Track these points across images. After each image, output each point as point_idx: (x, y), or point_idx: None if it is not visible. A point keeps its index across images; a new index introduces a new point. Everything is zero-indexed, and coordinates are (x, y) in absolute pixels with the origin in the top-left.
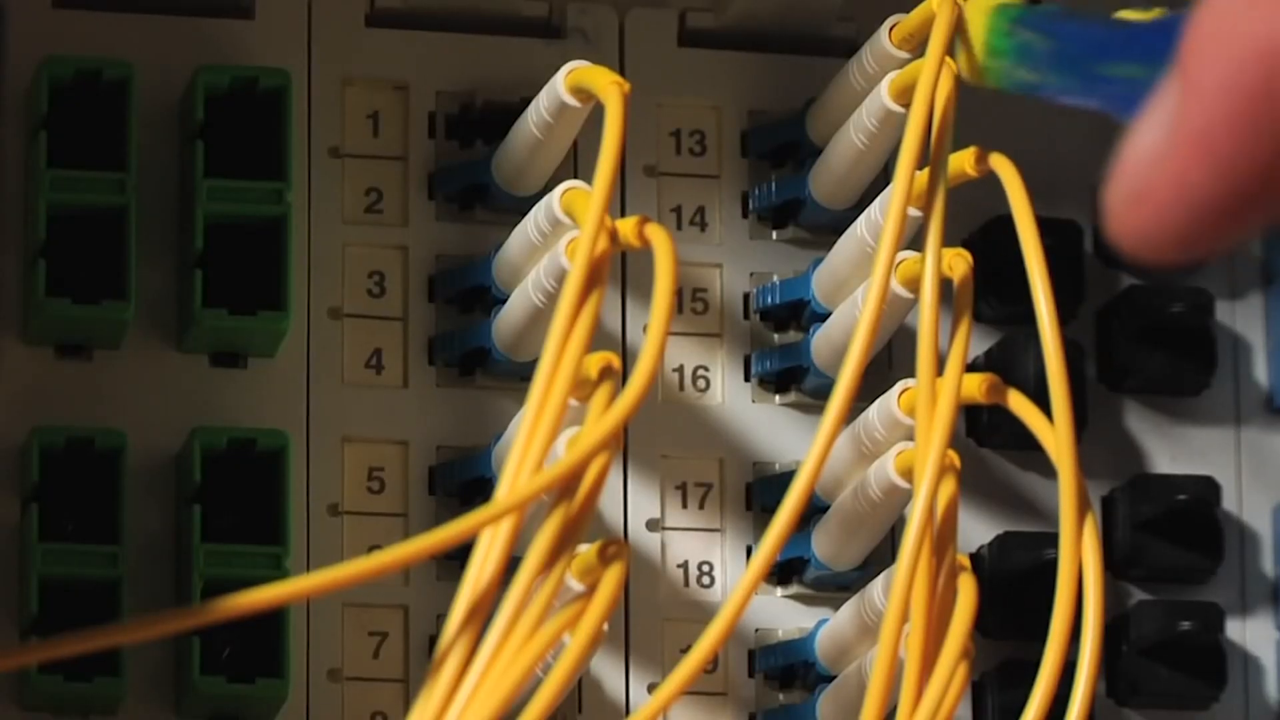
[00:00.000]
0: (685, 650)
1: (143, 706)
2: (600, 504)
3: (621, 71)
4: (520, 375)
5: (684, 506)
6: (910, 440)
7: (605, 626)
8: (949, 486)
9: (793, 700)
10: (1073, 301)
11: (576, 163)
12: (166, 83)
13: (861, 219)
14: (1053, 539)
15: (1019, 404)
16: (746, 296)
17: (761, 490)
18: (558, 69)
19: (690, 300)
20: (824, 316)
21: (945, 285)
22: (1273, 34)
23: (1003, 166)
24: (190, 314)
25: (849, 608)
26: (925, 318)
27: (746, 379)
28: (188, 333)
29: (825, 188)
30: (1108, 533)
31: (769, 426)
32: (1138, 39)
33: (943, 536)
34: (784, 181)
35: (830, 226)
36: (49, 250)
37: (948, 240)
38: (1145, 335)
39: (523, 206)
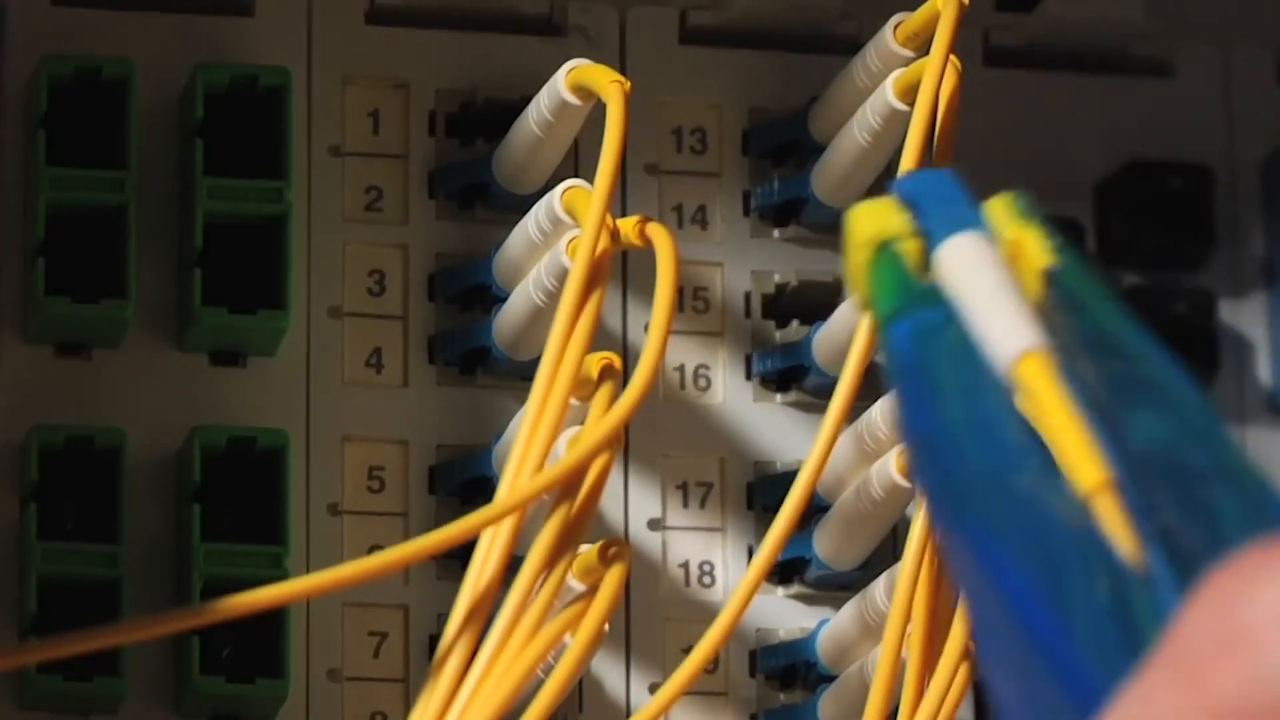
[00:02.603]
0: (686, 650)
1: (142, 706)
2: (601, 504)
3: (622, 70)
4: (521, 374)
5: (685, 506)
6: None
7: (606, 627)
8: None
9: (794, 700)
10: None
11: (577, 161)
12: (166, 81)
13: None
14: None
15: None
16: (748, 295)
17: (763, 490)
18: (558, 67)
19: (691, 299)
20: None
21: None
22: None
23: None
24: (190, 313)
25: (850, 608)
26: None
27: (748, 378)
28: (187, 331)
29: (827, 186)
30: None
31: (770, 425)
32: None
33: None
34: (786, 180)
35: (832, 225)
36: (48, 249)
37: None
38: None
39: (523, 205)
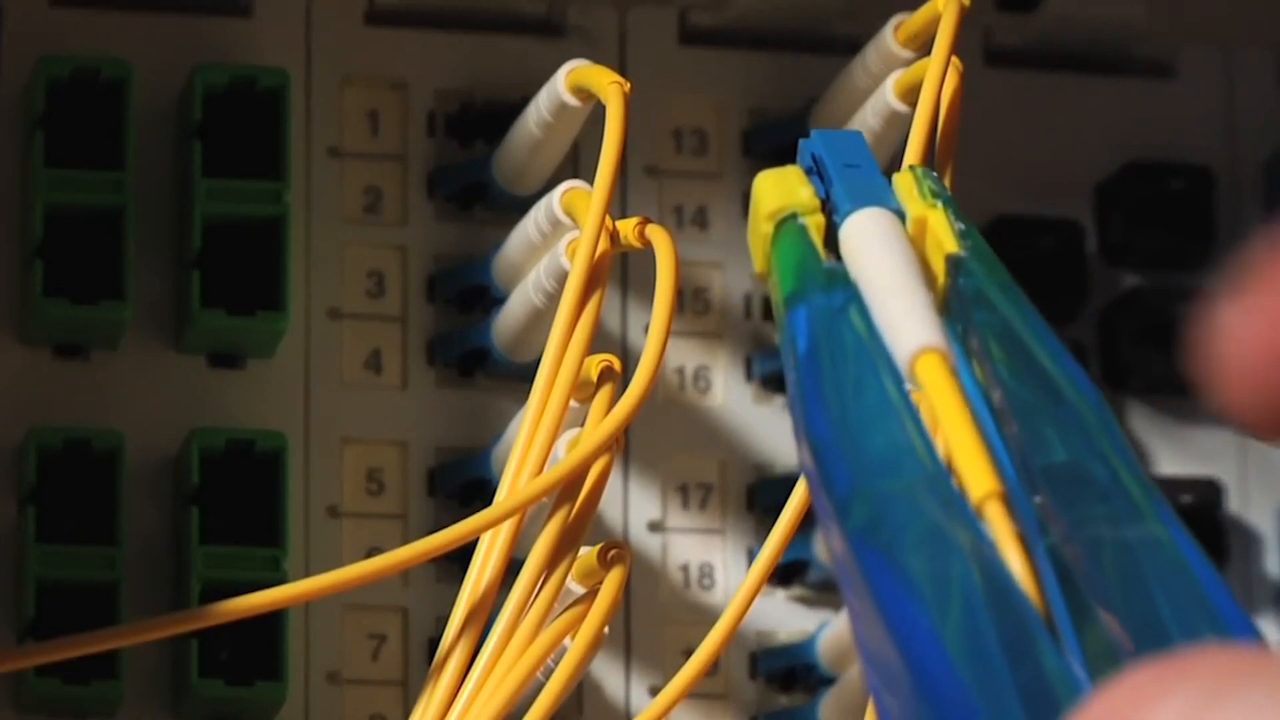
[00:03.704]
0: (687, 653)
1: (141, 709)
2: (601, 506)
3: (622, 70)
4: (520, 376)
5: (685, 508)
6: None
7: (607, 629)
8: None
9: (794, 703)
10: (1075, 301)
11: (577, 162)
12: (164, 82)
13: None
14: None
15: None
16: (748, 296)
17: (763, 492)
18: (558, 67)
19: (691, 300)
20: None
21: None
22: None
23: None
24: (188, 314)
25: None
26: None
27: (748, 379)
28: (186, 333)
29: None
30: None
31: (770, 427)
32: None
33: None
34: None
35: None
36: (46, 250)
37: None
38: (1148, 335)
39: (523, 206)
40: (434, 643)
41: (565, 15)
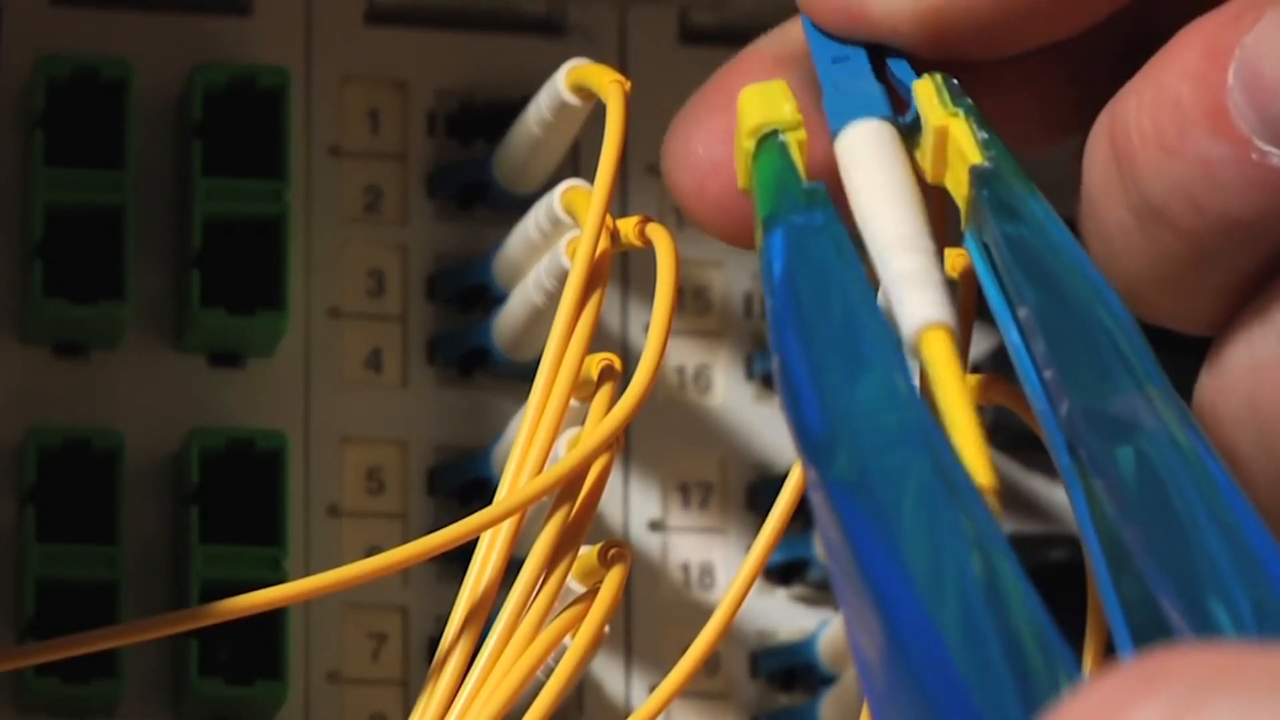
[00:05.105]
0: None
1: (140, 709)
2: (601, 505)
3: (622, 69)
4: (520, 375)
5: (685, 507)
6: None
7: (607, 628)
8: None
9: (795, 703)
10: None
11: (578, 161)
12: (164, 81)
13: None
14: (1057, 540)
15: (1021, 403)
16: (748, 295)
17: (764, 491)
18: (558, 67)
19: (691, 299)
20: None
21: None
22: None
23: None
24: (188, 314)
25: None
26: None
27: (748, 378)
28: (186, 333)
29: None
30: None
31: (771, 427)
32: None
33: None
34: None
35: None
36: (46, 249)
37: (949, 239)
38: (1147, 334)
39: (523, 205)
40: (434, 642)
41: (565, 14)
